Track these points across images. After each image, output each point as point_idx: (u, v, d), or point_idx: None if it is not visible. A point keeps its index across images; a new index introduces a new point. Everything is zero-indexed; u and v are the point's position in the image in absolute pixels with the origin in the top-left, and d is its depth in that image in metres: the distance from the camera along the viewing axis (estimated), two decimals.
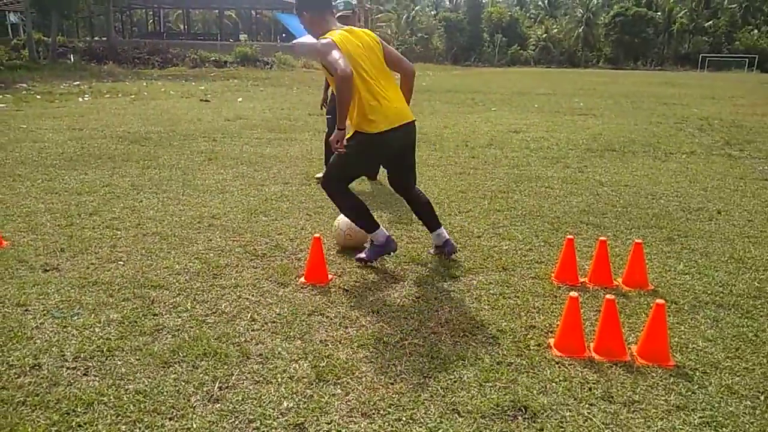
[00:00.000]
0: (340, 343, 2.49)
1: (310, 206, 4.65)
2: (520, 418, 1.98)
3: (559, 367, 2.32)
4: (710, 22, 68.75)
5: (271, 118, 10.45)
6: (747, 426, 1.97)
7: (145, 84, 18.39)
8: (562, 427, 1.93)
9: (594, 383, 2.20)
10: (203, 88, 17.37)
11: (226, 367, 2.26)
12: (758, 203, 4.95)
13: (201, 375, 2.20)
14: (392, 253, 3.44)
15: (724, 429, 1.95)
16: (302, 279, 3.16)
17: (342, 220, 3.60)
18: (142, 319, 2.64)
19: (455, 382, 2.19)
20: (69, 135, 7.86)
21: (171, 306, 2.79)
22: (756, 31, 68.36)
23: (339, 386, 2.15)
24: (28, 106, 11.44)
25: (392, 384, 2.17)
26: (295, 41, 36.57)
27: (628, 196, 5.16)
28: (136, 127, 8.81)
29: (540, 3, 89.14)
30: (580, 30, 70.87)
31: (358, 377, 2.21)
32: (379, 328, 2.63)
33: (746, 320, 2.76)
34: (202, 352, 2.35)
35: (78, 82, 17.64)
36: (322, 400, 2.06)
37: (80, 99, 13.14)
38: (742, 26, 69.03)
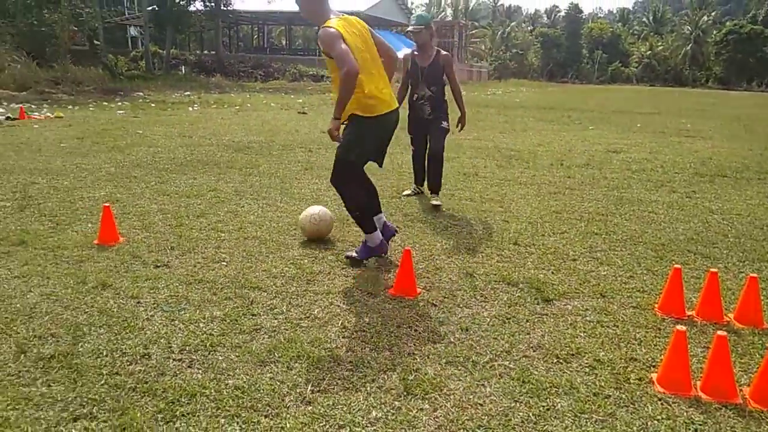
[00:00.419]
0: (428, 357, 2.48)
1: (400, 219, 4.69)
2: None
3: (662, 404, 2.18)
4: None
5: None
6: None
7: (248, 96, 19.44)
8: None
9: (700, 424, 2.05)
10: (301, 101, 18.10)
11: (318, 371, 2.32)
12: None
13: (295, 376, 2.27)
14: (383, 255, 3.65)
15: None
16: (391, 290, 3.18)
17: (313, 209, 3.97)
18: (242, 318, 2.77)
19: (548, 410, 2.12)
20: (179, 141, 8.46)
21: (268, 308, 2.91)
22: None
23: (427, 401, 2.15)
24: (144, 114, 12.44)
25: (481, 405, 2.13)
26: None
27: (741, 225, 4.78)
28: (240, 136, 9.32)
29: (645, 20, 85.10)
30: (688, 48, 66.78)
31: (446, 394, 2.20)
32: (468, 346, 2.60)
33: None
34: (296, 354, 2.43)
35: (188, 93, 18.97)
36: (410, 413, 2.06)
37: (190, 108, 14.10)
38: None
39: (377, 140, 3.55)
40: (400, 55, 4.67)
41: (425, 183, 5.44)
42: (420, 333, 2.71)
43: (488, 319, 2.89)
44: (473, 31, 59.13)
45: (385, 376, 2.30)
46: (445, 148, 5.18)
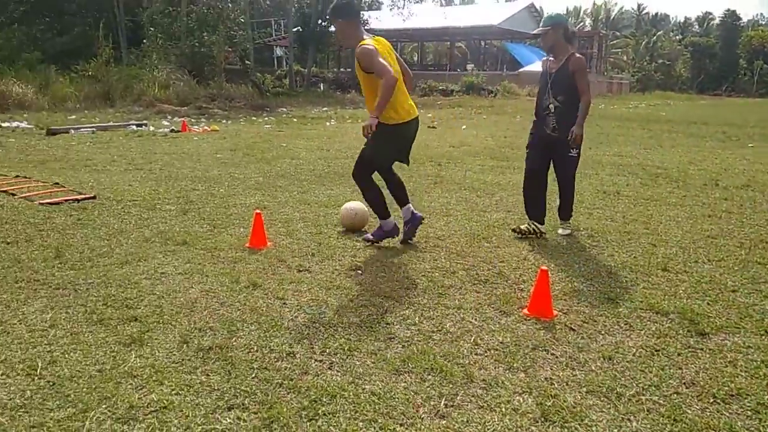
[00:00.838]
0: (566, 384, 2.37)
1: (533, 237, 4.55)
2: None
3: None
4: None
5: (493, 145, 10.55)
6: None
7: None
8: None
9: None
10: (430, 115, 18.32)
11: (451, 385, 2.32)
12: None
13: (428, 389, 2.29)
14: (395, 236, 4.21)
15: None
16: (525, 310, 3.09)
17: (351, 204, 4.62)
18: (377, 325, 2.86)
19: None
20: (318, 154, 8.95)
21: (401, 318, 2.96)
22: None
23: (567, 430, 2.05)
24: (287, 128, 13.34)
25: None
26: (521, 69, 36.57)
27: None
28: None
29: None
30: None
31: (587, 425, 2.08)
32: (611, 376, 2.44)
33: None
34: (429, 366, 2.45)
35: (326, 108, 20.05)
36: None
37: (327, 123, 14.88)
38: None
39: (399, 145, 4.10)
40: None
41: (542, 216, 4.52)
42: (557, 357, 2.60)
43: (634, 350, 2.70)
44: (614, 41, 56.05)
45: (521, 399, 2.24)
46: (574, 178, 4.52)
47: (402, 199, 4.28)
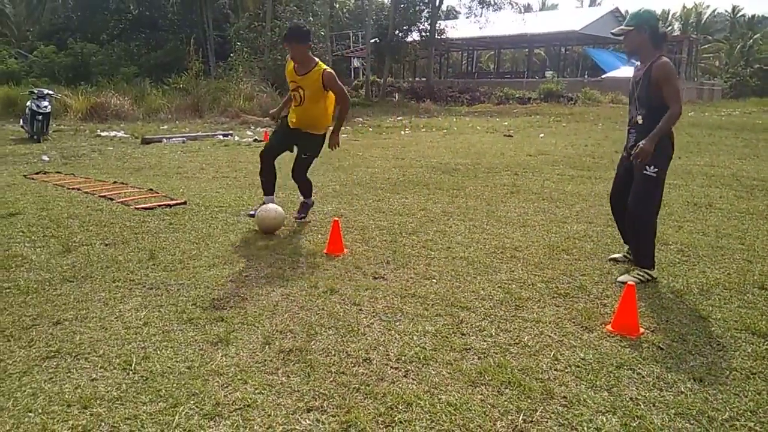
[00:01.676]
0: (653, 405, 2.26)
1: (616, 249, 4.37)
2: None
3: None
4: None
5: (573, 154, 10.23)
6: None
7: (454, 119, 20.01)
8: None
9: None
10: (507, 123, 18.04)
11: (529, 401, 2.26)
12: None
13: (505, 402, 2.25)
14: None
15: None
16: (609, 327, 2.97)
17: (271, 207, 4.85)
18: (452, 336, 2.84)
19: None
20: (393, 163, 9.04)
21: (477, 329, 2.93)
22: None
23: None
24: (363, 137, 13.57)
25: None
26: (605, 75, 35.27)
27: None
28: (447, 158, 9.63)
29: None
30: None
31: None
32: (702, 398, 2.30)
33: None
34: (506, 380, 2.41)
35: (401, 117, 20.21)
36: None
37: (402, 132, 15.00)
38: None
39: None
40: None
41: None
42: (644, 377, 2.48)
43: (727, 372, 2.53)
44: (705, 46, 52.91)
45: (604, 419, 2.15)
46: (649, 210, 3.62)
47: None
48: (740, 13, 73.27)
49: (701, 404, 2.26)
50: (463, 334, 2.87)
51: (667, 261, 4.10)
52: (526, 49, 44.74)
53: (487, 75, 45.29)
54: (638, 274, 3.67)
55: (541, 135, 14.07)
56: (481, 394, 2.31)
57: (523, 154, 10.28)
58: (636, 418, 2.15)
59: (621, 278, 3.67)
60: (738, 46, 55.40)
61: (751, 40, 54.92)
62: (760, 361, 2.62)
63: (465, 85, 34.55)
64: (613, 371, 2.52)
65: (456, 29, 34.35)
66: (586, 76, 37.46)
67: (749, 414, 2.20)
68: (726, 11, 72.48)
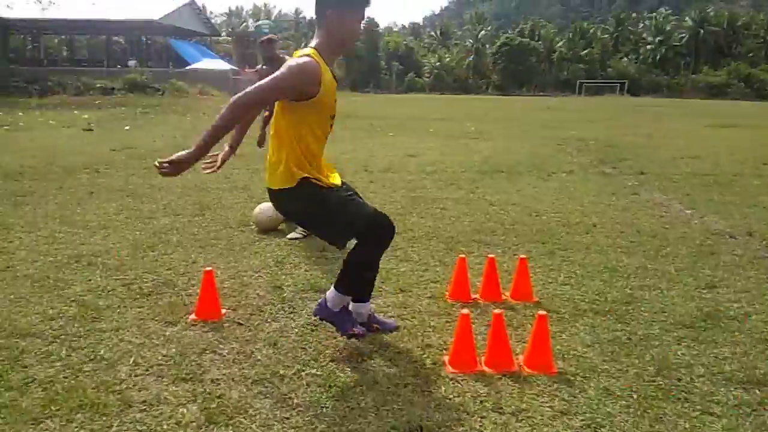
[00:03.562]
0: (233, 381, 2.39)
1: (203, 237, 4.48)
2: None
3: (453, 383, 2.38)
4: (586, 51, 75.34)
5: (161, 147, 10.00)
6: (623, 425, 2.11)
7: (21, 114, 16.97)
8: None
9: (485, 396, 2.28)
10: (87, 116, 16.33)
11: (105, 418, 2.09)
12: (628, 216, 5.43)
13: (76, 428, 2.01)
14: None
15: (603, 429, 2.08)
16: (193, 316, 3.01)
17: (267, 206, 4.28)
18: (9, 372, 2.39)
19: (353, 409, 2.18)
20: None
21: (43, 355, 2.54)
22: (625, 58, 75.90)
23: (231, 427, 2.06)
24: None
25: (288, 419, 2.12)
26: (189, 67, 35.56)
27: (515, 214, 5.46)
28: (8, 160, 8.08)
29: (433, 33, 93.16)
30: (471, 59, 74.93)
31: (251, 415, 2.13)
32: (275, 361, 2.56)
33: (620, 325, 2.98)
34: (77, 404, 2.16)
35: None
36: None
37: None
38: (613, 54, 76.41)
39: None
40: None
41: None
42: (225, 356, 2.60)
43: (296, 330, 2.88)
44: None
45: (185, 410, 2.16)
46: None
47: None
48: (302, 15, 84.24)
49: (274, 367, 2.51)
50: (24, 367, 2.44)
51: (249, 240, 4.42)
52: (104, 36, 41.33)
53: (60, 63, 40.00)
54: (302, 232, 4.44)
55: (127, 127, 13.28)
56: (47, 428, 2.01)
57: (106, 149, 9.50)
58: (215, 399, 2.23)
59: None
60: (303, 44, 63.76)
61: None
62: None
63: (32, 74, 29.66)
64: (196, 359, 2.55)
65: (10, 9, 29.03)
66: (171, 67, 37.04)
67: (312, 362, 2.55)
68: (290, 12, 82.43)
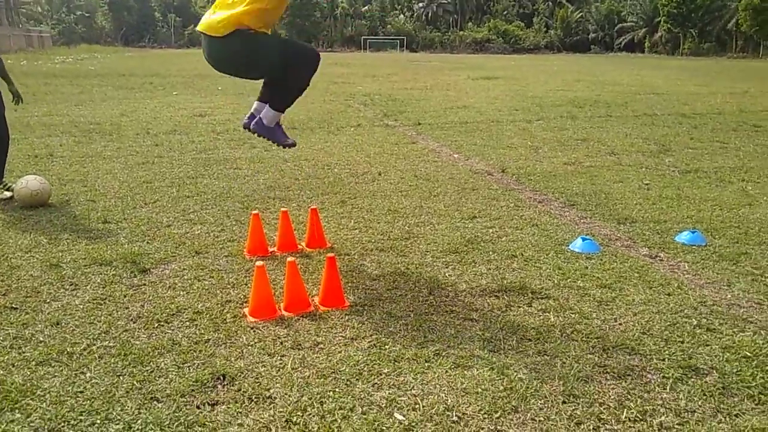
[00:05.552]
0: (13, 366, 2.21)
1: None
2: (219, 385, 2.11)
3: (254, 331, 2.52)
4: (366, 8, 77.93)
5: None
6: (402, 340, 2.47)
7: None
8: (258, 382, 2.13)
9: (284, 337, 2.47)
10: None
11: None
12: (407, 163, 6.01)
13: None
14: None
15: (385, 347, 2.41)
16: None
17: (30, 179, 4.19)
18: None
19: (152, 372, 2.19)
20: None
21: None
22: (402, 15, 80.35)
23: (18, 411, 1.94)
24: None
25: (82, 392, 2.05)
26: None
27: (308, 168, 5.67)
28: None
29: None
30: None
31: (40, 396, 2.02)
32: (61, 339, 2.42)
33: (400, 258, 3.40)
34: None
35: None
36: (1, 428, 1.84)
37: None
38: (391, 11, 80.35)
39: None
40: None
41: None
42: (1, 343, 2.37)
43: (82, 306, 2.73)
44: None
45: None
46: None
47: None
48: None
49: (60, 345, 2.36)
50: None
51: (15, 218, 3.93)
52: None
53: None
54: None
55: None
56: None
57: None
58: None
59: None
60: None
61: None
62: (109, 287, 2.94)
63: None
64: None
65: None
66: None
67: (104, 335, 2.46)
68: None
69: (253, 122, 3.38)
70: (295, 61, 3.09)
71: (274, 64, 3.07)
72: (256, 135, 3.44)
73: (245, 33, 2.91)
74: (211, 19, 2.96)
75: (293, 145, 3.40)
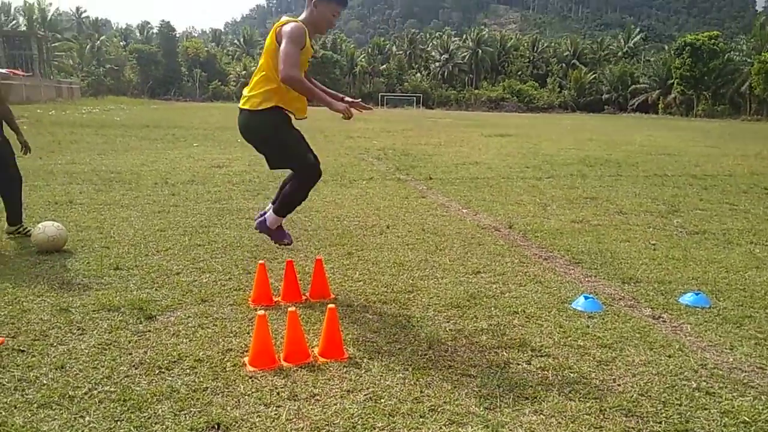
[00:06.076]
0: (15, 408, 2.26)
1: None
2: None
3: (252, 380, 2.54)
4: (384, 66, 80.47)
5: None
6: (399, 394, 2.48)
7: None
8: None
9: (282, 387, 2.49)
10: None
11: None
12: (416, 216, 6.10)
13: None
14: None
15: (381, 400, 2.42)
16: None
17: (48, 225, 4.35)
18: None
19: (149, 418, 2.22)
20: None
21: None
22: (418, 74, 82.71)
23: None
24: None
25: None
26: None
27: (317, 220, 5.78)
28: None
29: (236, 41, 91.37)
30: None
31: None
32: (63, 384, 2.46)
33: (402, 310, 3.43)
34: None
35: None
36: None
37: None
38: (408, 69, 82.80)
39: None
40: None
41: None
42: (4, 386, 2.43)
43: (87, 350, 2.78)
44: (56, 44, 52.77)
45: None
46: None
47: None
48: (85, 14, 76.31)
49: (62, 389, 2.41)
50: None
51: (29, 264, 4.05)
52: None
53: None
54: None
55: None
56: None
57: None
58: None
59: None
60: (87, 46, 57.98)
61: (99, 42, 58.50)
62: (115, 332, 2.99)
63: None
64: None
65: None
66: None
67: (105, 380, 2.50)
68: (71, 10, 74.26)
69: (258, 220, 3.84)
70: (297, 173, 3.61)
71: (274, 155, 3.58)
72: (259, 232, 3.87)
73: (259, 113, 3.36)
74: (243, 95, 3.49)
75: (289, 244, 3.84)
